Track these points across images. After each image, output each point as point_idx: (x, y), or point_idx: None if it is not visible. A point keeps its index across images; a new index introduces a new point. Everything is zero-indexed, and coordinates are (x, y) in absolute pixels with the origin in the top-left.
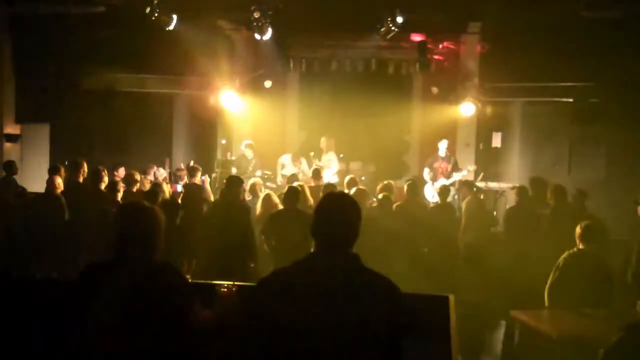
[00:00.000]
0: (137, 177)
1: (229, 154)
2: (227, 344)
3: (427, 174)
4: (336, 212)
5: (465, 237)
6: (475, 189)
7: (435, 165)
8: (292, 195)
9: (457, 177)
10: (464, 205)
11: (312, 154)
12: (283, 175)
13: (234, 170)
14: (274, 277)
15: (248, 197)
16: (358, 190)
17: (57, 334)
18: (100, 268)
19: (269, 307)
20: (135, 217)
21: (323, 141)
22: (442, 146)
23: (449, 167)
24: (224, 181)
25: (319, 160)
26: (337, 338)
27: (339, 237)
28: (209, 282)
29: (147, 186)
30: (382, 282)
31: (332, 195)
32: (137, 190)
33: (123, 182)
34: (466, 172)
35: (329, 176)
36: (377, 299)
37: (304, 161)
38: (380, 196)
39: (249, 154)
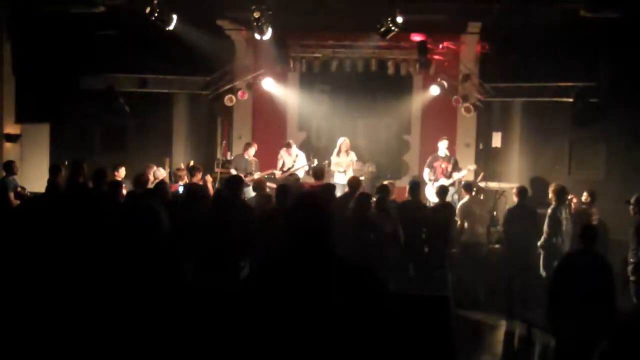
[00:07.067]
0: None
1: (229, 154)
2: None
3: (427, 174)
4: None
5: (462, 237)
6: (474, 191)
7: (436, 164)
8: (283, 193)
9: (457, 176)
10: (459, 206)
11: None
12: (282, 170)
13: (233, 171)
14: None
15: (252, 194)
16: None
17: None
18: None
19: None
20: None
21: (347, 143)
22: (442, 146)
23: (449, 166)
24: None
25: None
26: None
27: None
28: None
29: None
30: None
31: None
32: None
33: (134, 184)
34: (466, 171)
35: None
36: None
37: (301, 154)
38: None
39: (251, 152)
